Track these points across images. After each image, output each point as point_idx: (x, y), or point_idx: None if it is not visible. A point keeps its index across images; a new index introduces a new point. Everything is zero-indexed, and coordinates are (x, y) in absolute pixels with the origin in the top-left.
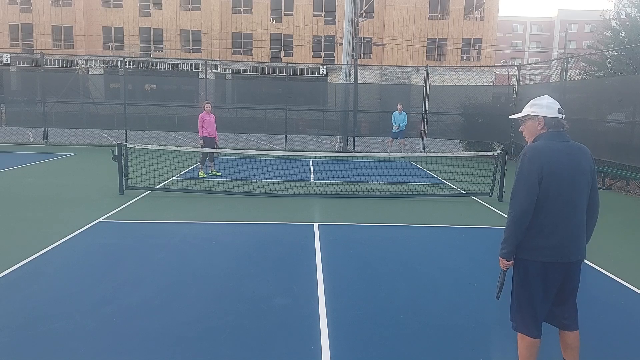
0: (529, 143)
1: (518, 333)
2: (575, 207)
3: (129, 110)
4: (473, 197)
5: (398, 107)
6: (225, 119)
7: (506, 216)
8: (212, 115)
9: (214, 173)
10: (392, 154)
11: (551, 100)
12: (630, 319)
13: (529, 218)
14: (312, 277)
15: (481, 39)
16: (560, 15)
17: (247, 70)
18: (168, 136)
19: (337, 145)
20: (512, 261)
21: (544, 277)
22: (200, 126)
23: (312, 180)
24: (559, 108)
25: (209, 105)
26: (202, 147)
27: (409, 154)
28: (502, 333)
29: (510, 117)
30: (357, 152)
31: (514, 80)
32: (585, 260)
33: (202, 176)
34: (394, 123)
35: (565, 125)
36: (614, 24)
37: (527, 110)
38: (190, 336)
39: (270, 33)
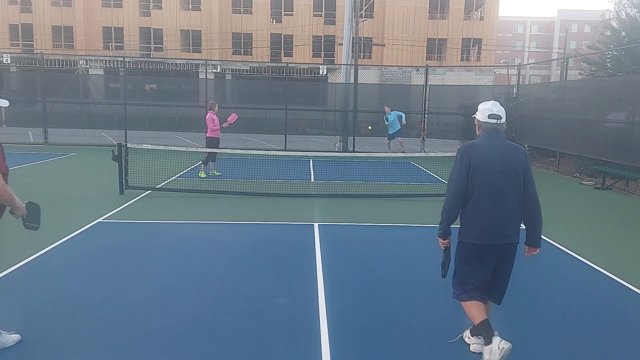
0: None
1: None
2: (505, 195)
3: (129, 110)
4: None
5: (386, 110)
6: (225, 119)
7: None
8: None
9: (214, 173)
10: (392, 154)
11: (488, 106)
12: (630, 319)
13: (460, 203)
14: (312, 277)
15: (481, 39)
16: (560, 15)
17: (247, 70)
18: (168, 136)
19: (337, 145)
20: (448, 240)
21: (478, 256)
22: (213, 125)
23: (312, 180)
24: (490, 114)
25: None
26: (211, 147)
27: (409, 154)
28: (502, 333)
29: (473, 116)
30: (357, 152)
31: (514, 80)
32: (585, 260)
33: (202, 176)
34: (386, 122)
35: (498, 125)
36: (614, 24)
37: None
38: (190, 336)
39: (270, 33)
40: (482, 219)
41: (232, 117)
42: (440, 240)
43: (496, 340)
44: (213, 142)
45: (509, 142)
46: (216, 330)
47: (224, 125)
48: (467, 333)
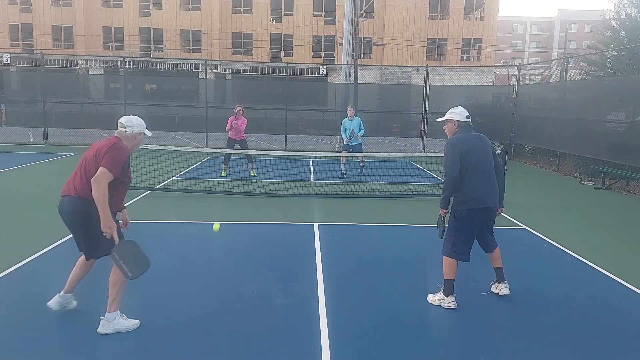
0: (449, 137)
1: (444, 256)
2: (486, 172)
3: (129, 110)
4: None
5: (348, 111)
6: (225, 119)
7: (505, 215)
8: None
9: (252, 174)
10: (392, 154)
11: (462, 109)
12: (630, 319)
13: (457, 182)
14: (312, 277)
15: (481, 39)
16: (560, 15)
17: (247, 70)
18: (168, 136)
19: (337, 145)
20: (448, 210)
21: (471, 220)
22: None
23: (312, 180)
24: (467, 115)
25: None
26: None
27: (409, 154)
28: (501, 333)
29: (437, 119)
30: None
31: (514, 80)
32: (585, 260)
33: (253, 175)
34: (344, 134)
35: (470, 124)
36: (614, 24)
37: (447, 116)
38: (190, 336)
39: (270, 33)
40: (476, 190)
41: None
42: (443, 210)
43: (451, 298)
44: (229, 143)
45: (478, 134)
46: (216, 330)
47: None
48: (437, 296)
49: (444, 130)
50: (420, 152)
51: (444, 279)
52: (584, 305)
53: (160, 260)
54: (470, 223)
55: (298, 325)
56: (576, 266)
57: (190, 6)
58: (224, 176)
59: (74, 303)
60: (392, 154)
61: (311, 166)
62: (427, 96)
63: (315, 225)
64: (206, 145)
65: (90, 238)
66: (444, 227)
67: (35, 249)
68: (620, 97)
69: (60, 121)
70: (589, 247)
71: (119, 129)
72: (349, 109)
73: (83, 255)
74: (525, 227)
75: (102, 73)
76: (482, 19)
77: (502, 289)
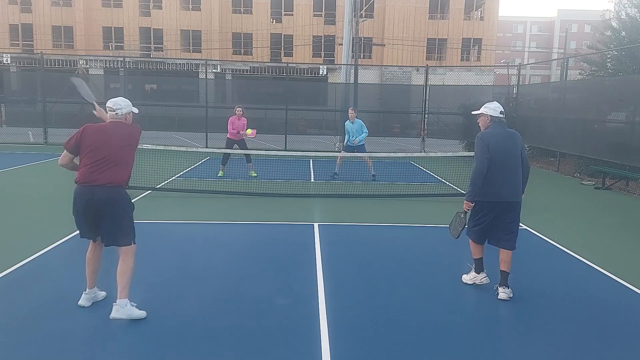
0: (482, 130)
1: (470, 240)
2: (510, 167)
3: None
4: None
5: (349, 114)
6: (225, 118)
7: None
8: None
9: (251, 174)
10: (393, 154)
11: (497, 105)
12: (630, 319)
13: (484, 174)
14: (312, 277)
15: (481, 39)
16: (560, 15)
17: (247, 70)
18: (168, 136)
19: (337, 145)
20: (473, 203)
21: (490, 211)
22: (232, 129)
23: (312, 180)
24: (501, 110)
25: None
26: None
27: (409, 154)
28: (502, 333)
29: (472, 112)
30: (357, 152)
31: (514, 80)
32: (585, 260)
33: (253, 174)
34: (348, 136)
35: (504, 120)
36: (614, 24)
37: (482, 110)
38: (190, 336)
39: (270, 33)
40: (497, 184)
41: (252, 133)
42: (468, 203)
43: (483, 274)
44: (228, 143)
45: (511, 130)
46: (216, 330)
47: (241, 132)
48: (469, 275)
49: (478, 122)
50: (421, 152)
51: (473, 259)
52: (584, 305)
53: (161, 260)
54: (488, 213)
55: (298, 325)
56: (576, 266)
57: (190, 6)
58: (221, 176)
59: (102, 294)
60: (392, 154)
61: (311, 166)
62: (427, 96)
63: (315, 225)
64: (206, 145)
65: (117, 222)
66: (464, 225)
67: (36, 249)
68: (621, 97)
69: (60, 121)
70: (589, 247)
71: (109, 112)
72: (350, 111)
73: (89, 251)
74: (525, 227)
75: (102, 73)
76: (482, 19)
77: (501, 292)
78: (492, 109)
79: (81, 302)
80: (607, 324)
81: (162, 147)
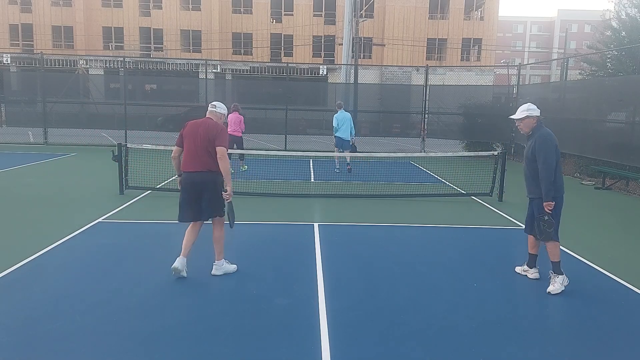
0: (526, 132)
1: (554, 242)
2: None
3: (129, 110)
4: (473, 197)
5: (337, 106)
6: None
7: (506, 216)
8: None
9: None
10: (393, 154)
11: (534, 105)
12: (630, 319)
13: (554, 170)
14: (312, 277)
15: (481, 39)
16: (560, 15)
17: (247, 70)
18: (168, 136)
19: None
20: (554, 202)
21: (562, 203)
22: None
23: (312, 180)
24: (540, 110)
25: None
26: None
27: (409, 154)
28: (501, 333)
29: (511, 117)
30: (357, 152)
31: (514, 80)
32: (585, 260)
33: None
34: (336, 131)
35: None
36: (614, 24)
37: (526, 113)
38: (190, 336)
39: (270, 33)
40: (559, 177)
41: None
42: (550, 203)
43: (563, 274)
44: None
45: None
46: (216, 330)
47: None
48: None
49: (519, 126)
50: (421, 152)
51: (555, 262)
52: (584, 305)
53: (161, 260)
54: (560, 207)
55: (298, 325)
56: (576, 266)
57: (190, 6)
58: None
59: (185, 274)
60: (392, 154)
61: (311, 166)
62: (427, 96)
63: (315, 225)
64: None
65: (214, 200)
66: (553, 226)
67: (36, 249)
68: (621, 97)
69: (60, 121)
70: (589, 247)
71: (211, 109)
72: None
73: (192, 224)
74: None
75: (102, 73)
76: (482, 19)
77: (533, 273)
78: (535, 109)
79: (175, 264)
80: (607, 324)
81: (162, 147)
